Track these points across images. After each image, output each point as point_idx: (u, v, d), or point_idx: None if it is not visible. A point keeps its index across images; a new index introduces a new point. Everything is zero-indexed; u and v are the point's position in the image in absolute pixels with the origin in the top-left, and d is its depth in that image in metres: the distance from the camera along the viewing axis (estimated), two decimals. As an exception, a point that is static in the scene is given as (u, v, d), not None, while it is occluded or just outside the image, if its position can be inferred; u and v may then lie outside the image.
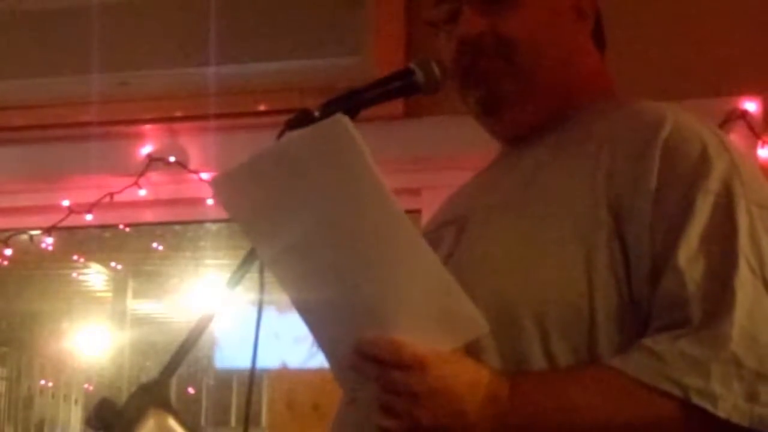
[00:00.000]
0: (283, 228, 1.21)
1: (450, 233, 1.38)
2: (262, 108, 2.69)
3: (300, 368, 3.38)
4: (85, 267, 6.22)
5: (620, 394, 1.17)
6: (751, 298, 1.17)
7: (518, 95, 1.41)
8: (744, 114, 2.38)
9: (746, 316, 1.16)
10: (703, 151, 1.25)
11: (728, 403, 1.13)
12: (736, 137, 2.36)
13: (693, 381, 1.14)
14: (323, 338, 1.29)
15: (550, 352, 1.22)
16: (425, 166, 2.61)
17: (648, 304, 1.22)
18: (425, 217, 2.50)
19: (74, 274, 6.44)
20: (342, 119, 1.13)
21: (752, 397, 1.13)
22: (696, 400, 1.13)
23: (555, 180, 1.31)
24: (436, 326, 1.19)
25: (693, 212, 1.21)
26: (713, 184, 1.22)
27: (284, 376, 3.20)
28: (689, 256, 1.19)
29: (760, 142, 2.37)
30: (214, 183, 1.27)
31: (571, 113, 1.41)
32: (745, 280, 1.18)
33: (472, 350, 1.22)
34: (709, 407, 1.13)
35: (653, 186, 1.23)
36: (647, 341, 1.18)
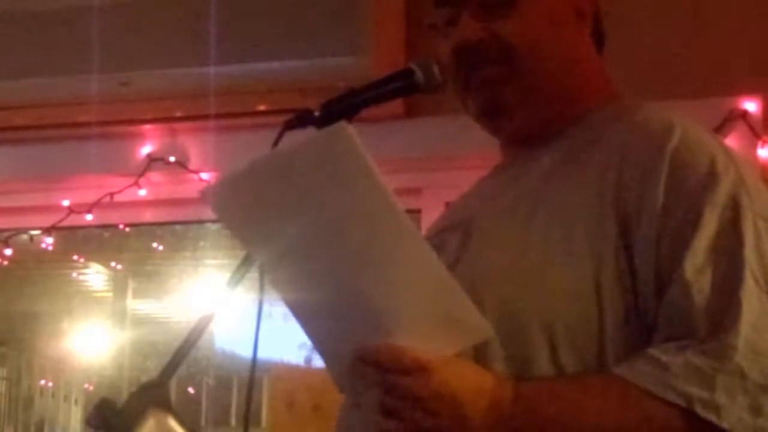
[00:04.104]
0: (280, 232, 1.20)
1: (455, 239, 1.37)
2: (262, 108, 2.70)
3: (300, 368, 3.38)
4: (85, 267, 6.22)
5: (624, 402, 1.17)
6: (756, 310, 1.17)
7: (519, 102, 1.40)
8: (744, 114, 2.38)
9: (752, 328, 1.16)
10: (711, 163, 1.25)
11: (732, 415, 1.13)
12: (736, 137, 2.36)
13: (698, 392, 1.14)
14: (322, 342, 1.28)
15: (558, 361, 1.23)
16: (425, 166, 2.61)
17: (654, 315, 1.22)
18: (425, 217, 2.50)
19: (74, 274, 6.44)
20: (345, 127, 1.12)
21: (756, 409, 1.14)
22: (700, 410, 1.14)
23: (563, 189, 1.31)
24: (439, 330, 1.19)
25: (700, 225, 1.21)
26: (720, 197, 1.22)
27: (284, 376, 3.19)
28: (696, 268, 1.19)
29: (760, 142, 2.37)
30: (207, 193, 1.27)
31: (576, 117, 1.40)
32: (750, 292, 1.18)
33: (480, 358, 1.22)
34: (713, 418, 1.13)
35: (660, 198, 1.23)
36: (653, 350, 1.18)
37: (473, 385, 1.18)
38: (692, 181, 1.24)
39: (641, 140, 1.29)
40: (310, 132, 1.24)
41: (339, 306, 1.21)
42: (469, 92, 1.43)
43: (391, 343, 1.18)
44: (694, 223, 1.21)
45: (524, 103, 1.40)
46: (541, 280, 1.25)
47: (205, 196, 1.27)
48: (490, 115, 1.43)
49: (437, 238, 1.39)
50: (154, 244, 5.23)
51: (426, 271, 1.17)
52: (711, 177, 1.24)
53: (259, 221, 1.22)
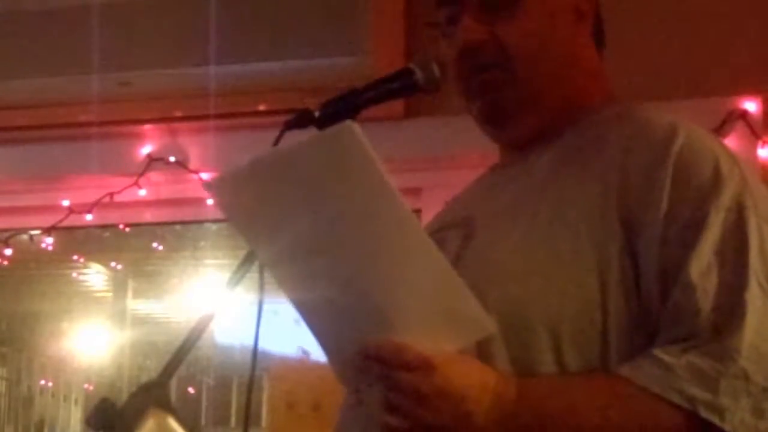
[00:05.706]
0: (285, 228, 1.21)
1: (456, 236, 1.37)
2: (262, 108, 2.70)
3: (300, 367, 3.38)
4: (85, 267, 6.23)
5: (628, 402, 1.17)
6: (760, 313, 1.18)
7: (520, 104, 1.40)
8: (744, 114, 2.38)
9: (756, 331, 1.16)
10: (715, 167, 1.25)
11: (735, 418, 1.14)
12: (736, 137, 2.36)
13: (701, 394, 1.14)
14: (325, 338, 1.28)
15: (562, 360, 1.23)
16: (425, 166, 2.61)
17: (658, 316, 1.22)
18: (425, 217, 2.50)
19: (74, 274, 6.45)
20: (352, 125, 1.12)
21: (759, 412, 1.15)
22: (703, 413, 1.14)
23: (566, 189, 1.31)
24: (443, 326, 1.19)
25: (705, 227, 1.21)
26: (725, 200, 1.23)
27: (284, 376, 3.20)
28: (701, 270, 1.20)
29: (760, 142, 2.37)
30: (212, 184, 1.27)
31: (576, 117, 1.39)
32: (754, 295, 1.18)
33: (484, 357, 1.22)
34: (716, 421, 1.14)
35: (665, 200, 1.23)
36: (657, 351, 1.18)
37: (476, 382, 1.18)
38: (697, 184, 1.24)
39: (645, 142, 1.29)
40: (311, 132, 1.24)
41: (343, 302, 1.21)
42: (471, 96, 1.43)
43: (394, 339, 1.18)
44: (699, 225, 1.21)
45: (524, 106, 1.40)
46: (545, 279, 1.25)
47: (210, 187, 1.28)
48: (492, 122, 1.43)
49: (436, 236, 1.38)
50: (154, 244, 5.23)
51: (430, 268, 1.17)
52: (716, 180, 1.24)
53: (263, 217, 1.23)
